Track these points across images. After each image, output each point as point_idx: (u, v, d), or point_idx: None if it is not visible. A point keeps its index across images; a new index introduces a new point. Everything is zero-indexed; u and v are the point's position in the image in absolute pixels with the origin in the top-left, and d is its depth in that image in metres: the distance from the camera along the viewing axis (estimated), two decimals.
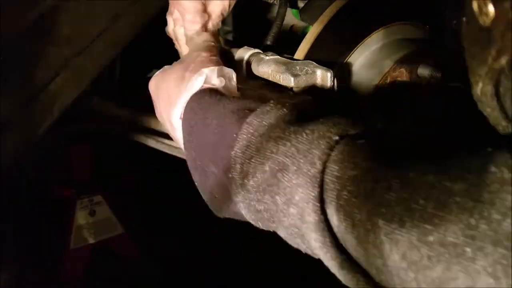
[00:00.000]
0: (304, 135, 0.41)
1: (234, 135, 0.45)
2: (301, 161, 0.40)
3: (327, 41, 0.72)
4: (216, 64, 0.58)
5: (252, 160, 0.43)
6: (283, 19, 0.75)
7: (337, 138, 0.40)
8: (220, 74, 0.57)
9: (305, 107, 0.47)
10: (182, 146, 0.58)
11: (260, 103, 0.48)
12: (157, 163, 1.14)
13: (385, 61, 0.74)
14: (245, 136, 0.44)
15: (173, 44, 0.72)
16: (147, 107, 0.66)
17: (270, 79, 0.65)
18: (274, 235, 0.46)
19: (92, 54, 0.69)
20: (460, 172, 0.33)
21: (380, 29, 0.75)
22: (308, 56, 0.71)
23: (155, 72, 0.63)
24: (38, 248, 1.28)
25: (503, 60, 0.35)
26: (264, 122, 0.44)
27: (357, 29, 0.74)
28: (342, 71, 0.73)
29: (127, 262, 1.33)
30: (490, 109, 0.38)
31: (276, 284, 1.28)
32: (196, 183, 0.54)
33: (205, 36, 0.67)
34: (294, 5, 0.82)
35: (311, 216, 0.38)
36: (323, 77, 0.61)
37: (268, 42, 0.75)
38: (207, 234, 1.41)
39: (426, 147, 0.38)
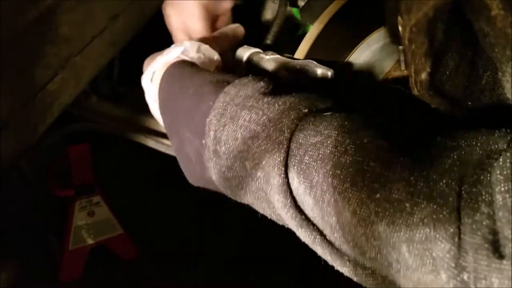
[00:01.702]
0: (277, 106, 0.43)
1: (211, 103, 0.46)
2: (271, 129, 0.42)
3: (328, 40, 0.72)
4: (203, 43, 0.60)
5: (226, 128, 0.44)
6: (283, 19, 0.75)
7: (306, 110, 0.43)
8: (200, 50, 0.58)
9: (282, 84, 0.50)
10: (153, 111, 0.61)
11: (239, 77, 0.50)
12: (157, 163, 1.13)
13: (386, 61, 0.74)
14: (221, 104, 0.46)
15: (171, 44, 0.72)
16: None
17: None
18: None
19: (91, 54, 0.69)
20: (406, 136, 0.37)
21: (380, 28, 0.75)
22: (309, 56, 0.70)
23: None
24: (37, 248, 1.28)
25: (423, 76, 0.41)
26: (240, 93, 0.46)
27: (357, 28, 0.74)
28: (343, 71, 0.73)
29: (127, 262, 1.33)
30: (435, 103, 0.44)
31: (277, 285, 1.28)
32: (173, 147, 0.55)
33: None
34: (294, 4, 0.82)
35: (275, 179, 0.40)
36: (324, 76, 0.61)
37: (268, 42, 0.75)
38: (208, 234, 1.41)
39: (381, 120, 0.41)
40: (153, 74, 0.59)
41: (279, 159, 0.40)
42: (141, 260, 1.34)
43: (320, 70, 0.61)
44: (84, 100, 1.01)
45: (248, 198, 0.46)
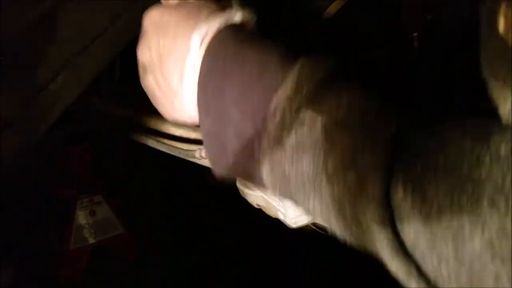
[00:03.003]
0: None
1: (280, 78, 0.37)
2: (371, 120, 0.33)
3: None
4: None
5: (301, 113, 0.35)
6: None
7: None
8: (244, 17, 0.48)
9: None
10: (186, 81, 0.48)
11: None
12: (157, 163, 1.14)
13: None
14: (296, 78, 0.36)
15: None
16: (147, 107, 0.66)
17: None
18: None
19: (92, 54, 0.69)
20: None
21: None
22: None
23: None
24: (38, 248, 1.29)
25: None
26: (320, 67, 0.36)
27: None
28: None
29: (127, 262, 1.33)
30: None
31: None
32: (203, 129, 0.45)
33: None
34: None
35: (375, 187, 0.30)
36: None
37: None
38: (208, 235, 1.41)
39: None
40: (204, 36, 0.47)
41: (381, 160, 0.31)
42: (141, 260, 1.34)
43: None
44: (85, 100, 1.02)
45: (310, 203, 0.36)
